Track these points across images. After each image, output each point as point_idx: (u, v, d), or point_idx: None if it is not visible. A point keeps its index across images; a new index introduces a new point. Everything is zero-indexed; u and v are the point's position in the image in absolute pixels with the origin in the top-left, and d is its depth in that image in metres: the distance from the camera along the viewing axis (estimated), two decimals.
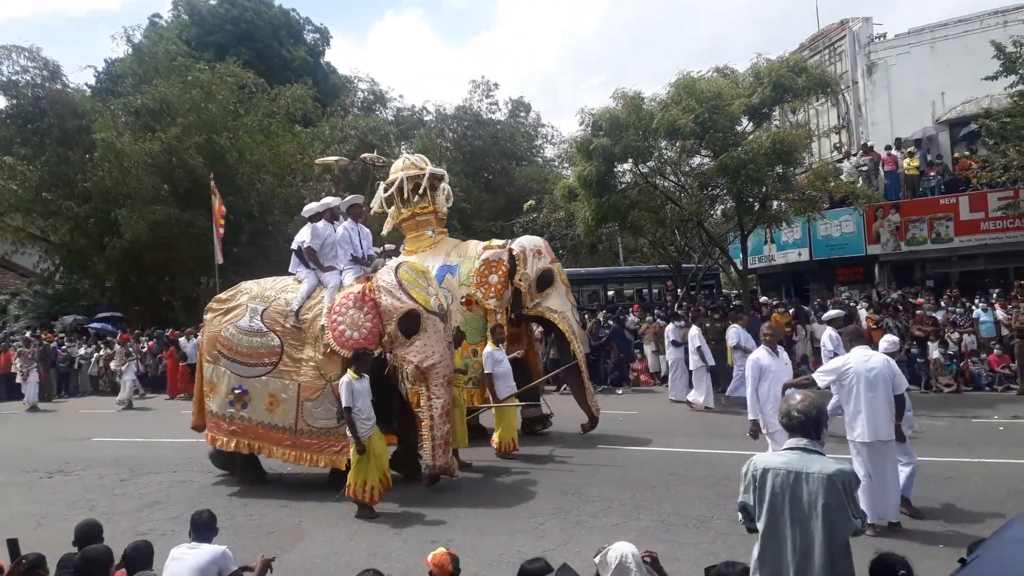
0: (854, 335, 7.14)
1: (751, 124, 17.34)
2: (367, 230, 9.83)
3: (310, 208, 9.88)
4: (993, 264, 20.30)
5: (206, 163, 24.45)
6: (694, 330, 14.37)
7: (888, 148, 21.27)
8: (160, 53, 30.08)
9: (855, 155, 22.33)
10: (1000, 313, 15.23)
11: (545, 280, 11.60)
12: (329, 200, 10.02)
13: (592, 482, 9.03)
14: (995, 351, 14.81)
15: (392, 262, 9.45)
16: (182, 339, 20.94)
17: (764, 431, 7.63)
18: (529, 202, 31.77)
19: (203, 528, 5.01)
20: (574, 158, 17.90)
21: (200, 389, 9.95)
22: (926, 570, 3.11)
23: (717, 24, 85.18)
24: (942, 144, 21.92)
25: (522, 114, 42.77)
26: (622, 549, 3.72)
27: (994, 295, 16.51)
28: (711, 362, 14.08)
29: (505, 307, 11.55)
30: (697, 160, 18.62)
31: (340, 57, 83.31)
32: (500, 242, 12.22)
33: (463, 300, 11.53)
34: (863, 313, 16.20)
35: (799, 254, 23.26)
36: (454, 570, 4.30)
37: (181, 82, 26.19)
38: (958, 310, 15.99)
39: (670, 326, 15.59)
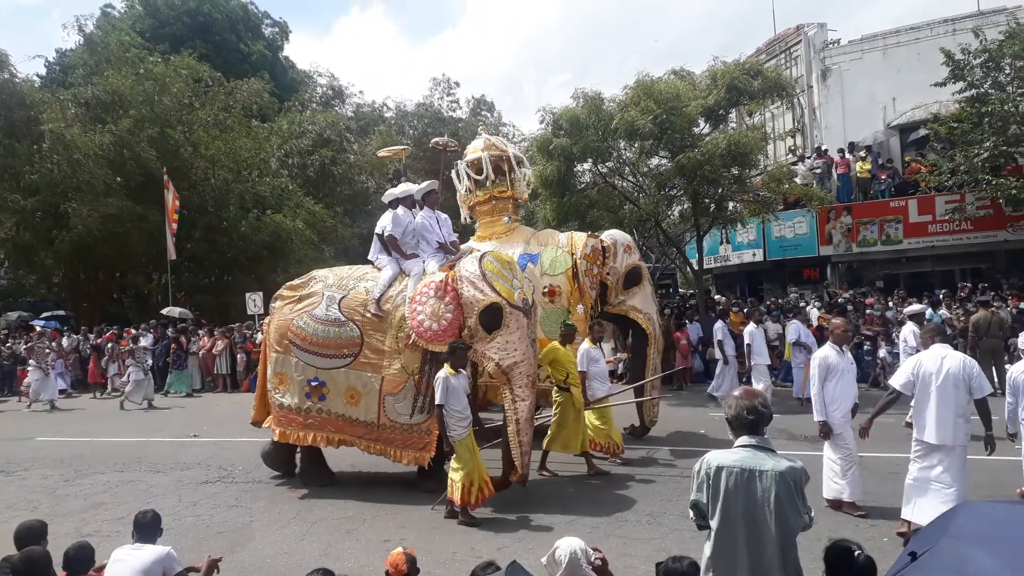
0: (934, 332, 6.84)
1: (708, 126, 17.57)
2: (445, 216, 9.39)
3: (390, 194, 9.48)
4: (940, 266, 20.88)
5: (159, 157, 23.94)
6: (751, 327, 13.46)
7: (841, 151, 21.75)
8: (113, 44, 29.34)
9: (809, 158, 22.81)
10: (945, 313, 15.64)
11: (633, 277, 11.08)
12: (409, 186, 9.53)
13: (548, 480, 9.06)
14: None
15: (476, 251, 9.01)
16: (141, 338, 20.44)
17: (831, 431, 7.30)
18: None
19: (147, 529, 4.89)
20: (535, 157, 17.92)
21: (263, 382, 9.46)
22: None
23: (679, 25, 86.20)
24: (893, 148, 22.47)
25: (484, 112, 42.73)
26: (571, 544, 3.72)
27: (940, 296, 16.97)
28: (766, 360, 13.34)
29: (591, 302, 10.97)
30: (655, 161, 18.78)
31: (302, 52, 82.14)
32: (584, 235, 11.45)
33: (545, 291, 10.91)
34: (815, 313, 16.52)
35: (753, 254, 23.65)
36: (410, 570, 4.25)
37: (134, 74, 25.60)
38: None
39: (719, 323, 14.68)
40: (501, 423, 8.40)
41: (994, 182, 17.35)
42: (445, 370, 7.57)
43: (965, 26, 19.67)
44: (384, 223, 9.17)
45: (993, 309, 14.06)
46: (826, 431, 7.29)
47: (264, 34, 42.87)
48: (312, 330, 8.81)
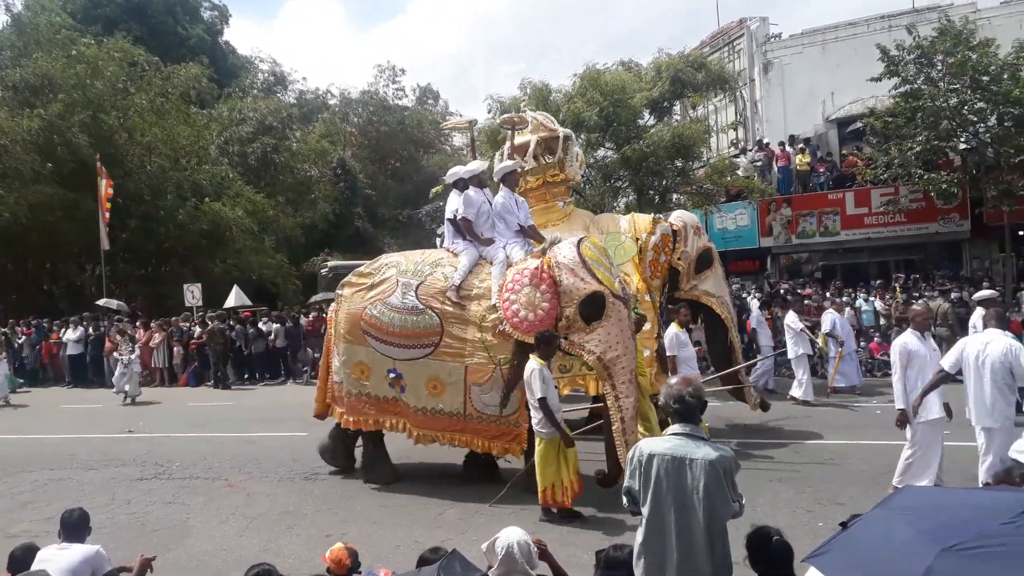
0: (992, 317, 6.90)
1: (653, 118, 17.75)
2: (522, 199, 8.93)
3: (454, 173, 8.95)
4: (875, 257, 21.51)
5: (92, 143, 23.07)
6: (791, 316, 13.29)
7: (782, 144, 22.18)
8: (42, 25, 28.15)
9: (750, 151, 23.19)
10: (879, 303, 16.10)
11: (704, 261, 10.42)
12: (478, 164, 9.03)
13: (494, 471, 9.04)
14: (875, 339, 15.64)
15: (572, 236, 8.33)
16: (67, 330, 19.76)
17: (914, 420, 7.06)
18: (435, 188, 31.55)
19: (74, 527, 4.75)
20: (482, 147, 17.84)
21: (326, 374, 9.12)
22: (807, 547, 3.23)
23: (630, 15, 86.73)
24: (831, 141, 23.01)
25: (430, 101, 42.41)
26: (509, 537, 3.70)
27: (875, 286, 17.47)
28: (809, 350, 13.16)
29: (660, 289, 10.40)
30: (601, 152, 18.91)
31: (246, 37, 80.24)
32: (649, 217, 10.67)
33: None
34: (755, 303, 16.83)
35: None
36: (352, 564, 4.19)
37: (65, 56, 24.59)
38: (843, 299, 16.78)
39: (791, 315, 13.44)
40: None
41: (926, 176, 17.92)
42: (536, 361, 7.13)
43: (900, 23, 20.20)
44: (454, 205, 8.66)
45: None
46: (904, 420, 7.11)
47: (203, 17, 41.64)
48: (388, 319, 8.33)
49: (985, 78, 16.84)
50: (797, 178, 21.80)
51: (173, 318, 20.50)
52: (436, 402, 8.24)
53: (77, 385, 19.23)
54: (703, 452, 3.60)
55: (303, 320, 19.50)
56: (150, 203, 24.91)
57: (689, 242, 10.22)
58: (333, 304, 9.25)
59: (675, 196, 18.58)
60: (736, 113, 25.72)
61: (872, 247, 21.20)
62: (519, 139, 10.54)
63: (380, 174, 38.76)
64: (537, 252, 7.94)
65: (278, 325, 19.20)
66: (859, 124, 21.19)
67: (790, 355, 13.05)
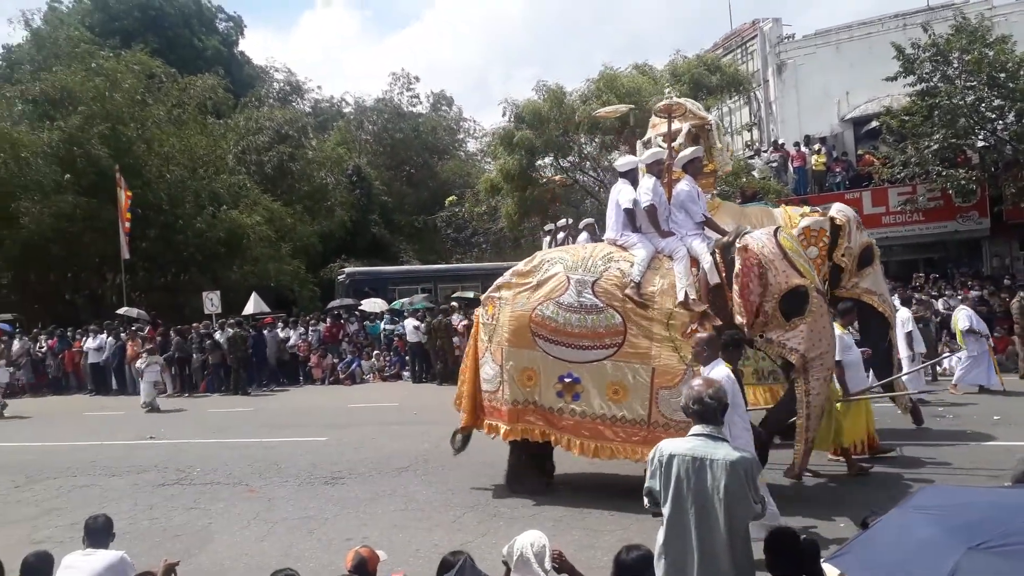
0: None
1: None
2: (699, 189, 8.30)
3: (626, 162, 8.41)
4: (894, 256, 21.29)
5: (111, 154, 23.41)
6: (905, 313, 12.53)
7: (797, 145, 22.05)
8: (61, 39, 28.63)
9: (766, 152, 23.08)
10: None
11: (867, 257, 9.63)
12: (658, 151, 8.38)
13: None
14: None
15: (746, 227, 7.70)
16: (87, 339, 20.00)
17: None
18: (451, 197, 31.70)
19: (98, 533, 4.78)
20: (496, 150, 17.92)
21: (474, 382, 8.47)
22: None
23: (642, 19, 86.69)
24: (847, 141, 22.85)
25: (444, 108, 42.56)
26: (524, 540, 3.73)
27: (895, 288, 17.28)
28: (921, 348, 12.61)
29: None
30: (616, 155, 18.91)
31: (264, 47, 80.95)
32: (802, 209, 10.07)
33: None
34: None
35: None
36: (372, 568, 4.21)
37: (84, 69, 24.99)
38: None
39: (906, 314, 12.54)
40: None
41: (944, 174, 17.77)
42: (726, 368, 6.35)
43: (915, 21, 20.08)
44: (633, 194, 8.05)
45: None
46: None
47: (218, 29, 42.11)
48: (563, 319, 7.74)
49: (1002, 75, 16.72)
50: (813, 178, 21.66)
51: (194, 324, 20.65)
52: (617, 409, 7.57)
53: (99, 393, 19.43)
54: (723, 453, 3.60)
55: (321, 326, 19.61)
56: (169, 212, 25.19)
57: (853, 237, 9.46)
58: (481, 308, 8.71)
59: None
60: (750, 114, 25.63)
61: (891, 246, 21.01)
62: (663, 126, 9.57)
63: (396, 181, 38.94)
64: (722, 242, 7.39)
65: (301, 330, 19.34)
66: (875, 123, 21.05)
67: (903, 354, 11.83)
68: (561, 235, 11.86)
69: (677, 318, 7.37)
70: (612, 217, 8.24)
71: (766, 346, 7.16)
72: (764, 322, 7.00)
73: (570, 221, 11.46)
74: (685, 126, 9.55)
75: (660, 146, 9.07)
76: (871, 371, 9.71)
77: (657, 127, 9.81)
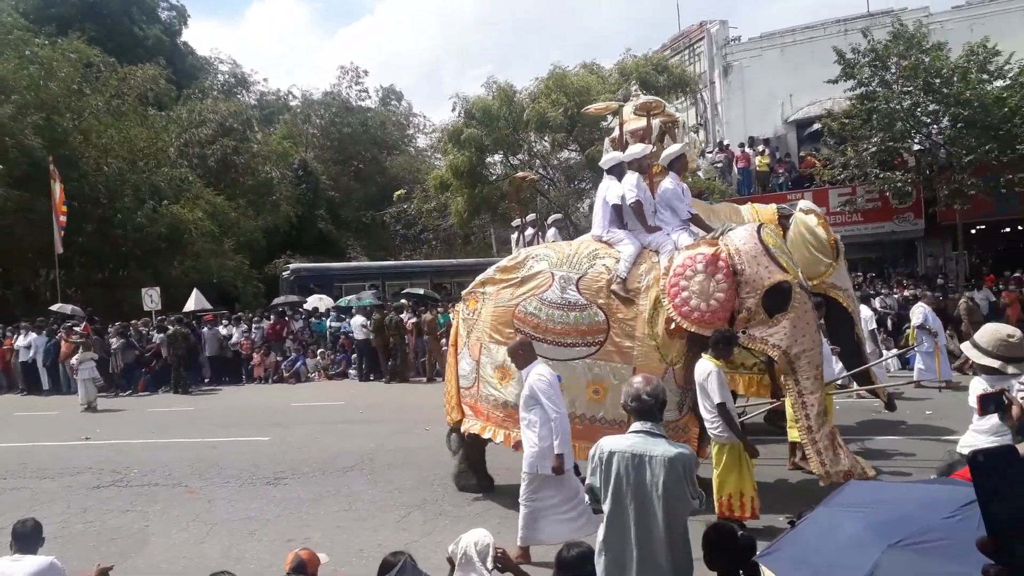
0: None
1: (617, 120, 17.86)
2: (685, 186, 8.26)
3: (612, 158, 8.30)
4: None
5: (46, 145, 22.60)
6: (867, 311, 12.82)
7: (741, 146, 22.49)
8: None
9: (711, 152, 23.46)
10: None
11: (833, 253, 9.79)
12: (641, 148, 8.28)
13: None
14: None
15: (750, 223, 7.69)
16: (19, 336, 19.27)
17: None
18: (399, 192, 31.45)
19: (26, 538, 4.62)
20: (446, 146, 17.84)
21: (456, 379, 8.22)
22: None
23: (595, 21, 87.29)
24: (790, 143, 23.40)
25: (393, 102, 42.19)
26: (469, 538, 3.71)
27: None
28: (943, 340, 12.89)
29: None
30: (565, 154, 19.00)
31: (207, 38, 78.91)
32: (771, 206, 10.19)
33: None
34: None
35: None
36: (312, 570, 4.14)
37: (17, 57, 24.07)
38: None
39: (921, 305, 13.04)
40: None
41: (881, 176, 18.30)
42: (711, 362, 6.51)
43: (856, 26, 20.63)
44: (618, 190, 7.99)
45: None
46: None
47: (160, 18, 40.96)
48: (546, 316, 7.61)
49: (937, 81, 17.27)
50: (757, 179, 22.12)
51: (132, 321, 20.12)
52: (596, 409, 7.46)
53: (31, 392, 18.76)
54: (662, 449, 3.64)
55: (264, 323, 19.25)
56: (107, 206, 24.47)
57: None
58: (461, 304, 8.56)
59: None
60: (697, 115, 26.02)
61: None
62: (636, 124, 9.49)
63: (343, 176, 38.49)
64: (709, 238, 7.37)
65: (244, 327, 18.95)
66: (817, 125, 21.59)
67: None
68: (529, 231, 11.83)
69: (662, 313, 7.27)
70: (599, 213, 8.20)
71: (749, 342, 7.12)
72: (747, 318, 6.99)
73: (534, 217, 11.40)
74: (656, 123, 9.48)
75: (628, 143, 8.98)
76: (840, 365, 9.87)
77: (628, 124, 9.66)
